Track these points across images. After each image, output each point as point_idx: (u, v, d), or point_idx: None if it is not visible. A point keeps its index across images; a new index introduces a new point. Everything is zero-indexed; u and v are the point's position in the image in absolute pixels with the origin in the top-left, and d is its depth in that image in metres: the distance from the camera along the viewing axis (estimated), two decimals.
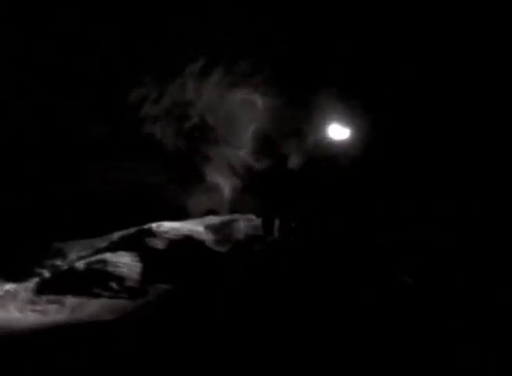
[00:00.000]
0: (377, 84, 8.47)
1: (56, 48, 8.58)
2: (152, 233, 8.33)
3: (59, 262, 8.24)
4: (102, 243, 8.65)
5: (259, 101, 9.98)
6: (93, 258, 7.90)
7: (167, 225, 8.55)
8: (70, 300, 6.97)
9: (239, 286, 6.34)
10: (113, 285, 7.26)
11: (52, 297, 7.11)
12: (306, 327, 4.92)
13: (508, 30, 7.58)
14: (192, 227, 8.61)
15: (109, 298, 7.02)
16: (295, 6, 8.62)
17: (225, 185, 10.70)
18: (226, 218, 9.14)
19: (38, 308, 6.84)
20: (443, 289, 5.71)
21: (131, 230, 8.76)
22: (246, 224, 8.63)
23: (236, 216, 9.13)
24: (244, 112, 10.23)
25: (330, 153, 8.15)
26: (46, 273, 7.92)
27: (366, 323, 4.94)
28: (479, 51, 7.84)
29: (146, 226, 8.59)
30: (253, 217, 8.90)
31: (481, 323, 4.84)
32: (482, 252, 6.29)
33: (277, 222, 7.92)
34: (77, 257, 8.33)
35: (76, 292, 7.12)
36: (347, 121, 8.71)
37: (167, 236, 8.24)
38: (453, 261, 6.28)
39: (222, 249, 7.94)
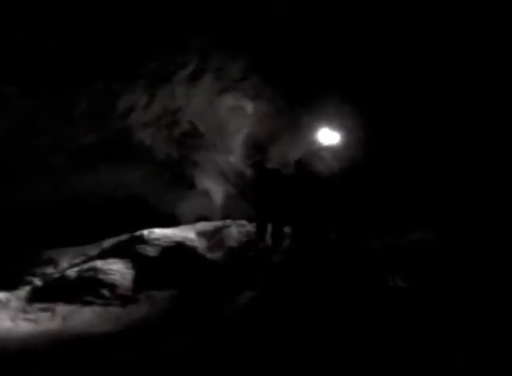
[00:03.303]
0: (371, 88, 8.50)
1: (46, 51, 8.53)
2: (143, 240, 8.34)
3: (50, 270, 8.21)
4: (93, 250, 8.64)
5: (249, 107, 10.00)
6: (85, 266, 7.89)
7: (159, 232, 8.56)
8: (62, 308, 6.94)
9: (233, 293, 6.35)
10: (105, 292, 7.24)
11: (43, 305, 7.08)
12: (302, 331, 4.94)
13: (508, 30, 7.62)
14: (184, 234, 8.61)
15: (101, 305, 6.99)
16: (286, 10, 8.63)
17: (216, 191, 10.71)
18: (218, 224, 9.14)
19: (30, 316, 6.80)
20: (439, 291, 5.76)
21: (123, 237, 8.76)
22: (238, 230, 8.63)
23: (227, 222, 9.13)
24: (234, 118, 10.25)
25: (321, 158, 8.18)
26: (38, 281, 7.88)
27: (360, 328, 4.97)
28: (479, 52, 7.88)
29: (137, 233, 8.60)
30: (245, 223, 8.92)
31: (477, 323, 4.89)
32: (479, 254, 6.34)
33: (269, 228, 7.94)
34: (68, 265, 8.31)
35: (67, 300, 7.09)
36: (338, 124, 8.76)
37: (158, 243, 8.25)
38: (449, 262, 6.33)
39: (215, 255, 7.95)
